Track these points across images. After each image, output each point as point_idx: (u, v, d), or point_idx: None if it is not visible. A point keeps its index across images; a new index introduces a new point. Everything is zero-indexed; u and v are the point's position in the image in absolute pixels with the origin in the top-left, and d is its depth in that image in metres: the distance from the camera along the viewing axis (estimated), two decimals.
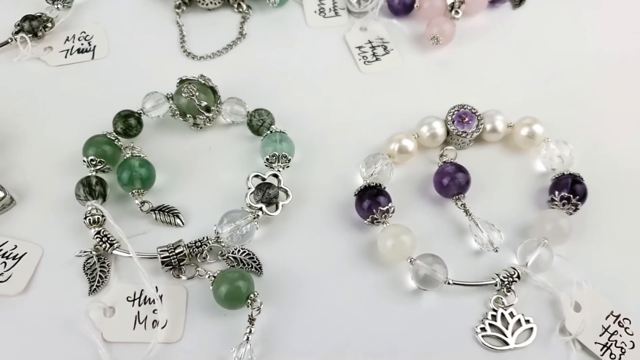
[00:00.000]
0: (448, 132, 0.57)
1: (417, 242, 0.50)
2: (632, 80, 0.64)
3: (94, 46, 0.64)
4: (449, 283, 0.49)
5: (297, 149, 0.56)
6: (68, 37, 0.65)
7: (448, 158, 0.55)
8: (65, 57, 0.64)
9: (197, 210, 0.54)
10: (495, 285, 0.50)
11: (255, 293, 0.47)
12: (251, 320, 0.47)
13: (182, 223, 0.53)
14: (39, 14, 0.64)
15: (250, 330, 0.46)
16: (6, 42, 0.63)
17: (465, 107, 0.57)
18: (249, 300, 0.47)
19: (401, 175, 0.56)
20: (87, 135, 0.55)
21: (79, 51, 0.64)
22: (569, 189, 0.53)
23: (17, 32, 0.63)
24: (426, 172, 0.56)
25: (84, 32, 0.65)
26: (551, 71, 0.64)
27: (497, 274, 0.50)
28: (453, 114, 0.57)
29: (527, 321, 0.49)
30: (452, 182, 0.53)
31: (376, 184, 0.53)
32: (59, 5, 0.66)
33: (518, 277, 0.50)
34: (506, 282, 0.49)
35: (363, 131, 0.59)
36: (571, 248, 0.52)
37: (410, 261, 0.50)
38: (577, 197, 0.52)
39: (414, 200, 0.55)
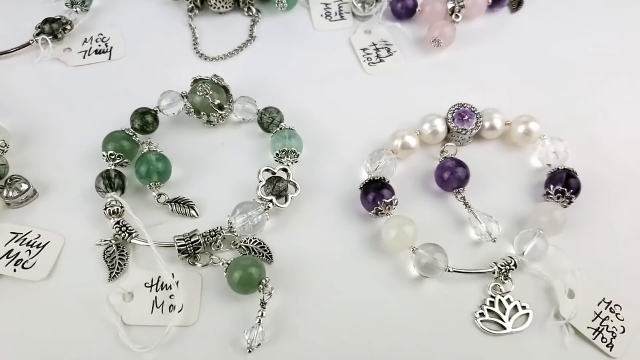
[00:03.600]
0: (448, 130, 0.59)
1: (419, 232, 0.52)
2: (623, 81, 0.66)
3: (111, 47, 0.67)
4: (449, 271, 0.51)
5: (305, 145, 0.59)
6: (86, 38, 0.68)
7: (448, 154, 0.58)
8: (84, 57, 0.66)
9: (211, 202, 0.56)
10: (493, 273, 0.52)
11: (267, 279, 0.49)
12: (263, 304, 0.49)
13: (197, 214, 0.55)
14: (58, 17, 0.67)
15: (262, 314, 0.48)
16: (27, 44, 0.66)
17: (465, 105, 0.59)
18: (260, 286, 0.49)
19: (404, 169, 0.59)
20: (105, 131, 0.57)
21: (97, 52, 0.67)
22: (563, 183, 0.55)
23: (37, 34, 0.66)
24: (428, 167, 0.59)
25: (101, 34, 0.68)
26: (546, 71, 0.67)
27: (495, 263, 0.52)
28: (453, 112, 0.59)
29: (524, 307, 0.51)
30: (452, 176, 0.55)
31: (380, 177, 0.55)
32: (78, 9, 0.69)
33: (515, 265, 0.52)
34: (503, 270, 0.52)
35: (367, 128, 0.61)
36: (565, 238, 0.54)
37: (413, 250, 0.52)
38: (571, 190, 0.54)
39: (416, 194, 0.57)
